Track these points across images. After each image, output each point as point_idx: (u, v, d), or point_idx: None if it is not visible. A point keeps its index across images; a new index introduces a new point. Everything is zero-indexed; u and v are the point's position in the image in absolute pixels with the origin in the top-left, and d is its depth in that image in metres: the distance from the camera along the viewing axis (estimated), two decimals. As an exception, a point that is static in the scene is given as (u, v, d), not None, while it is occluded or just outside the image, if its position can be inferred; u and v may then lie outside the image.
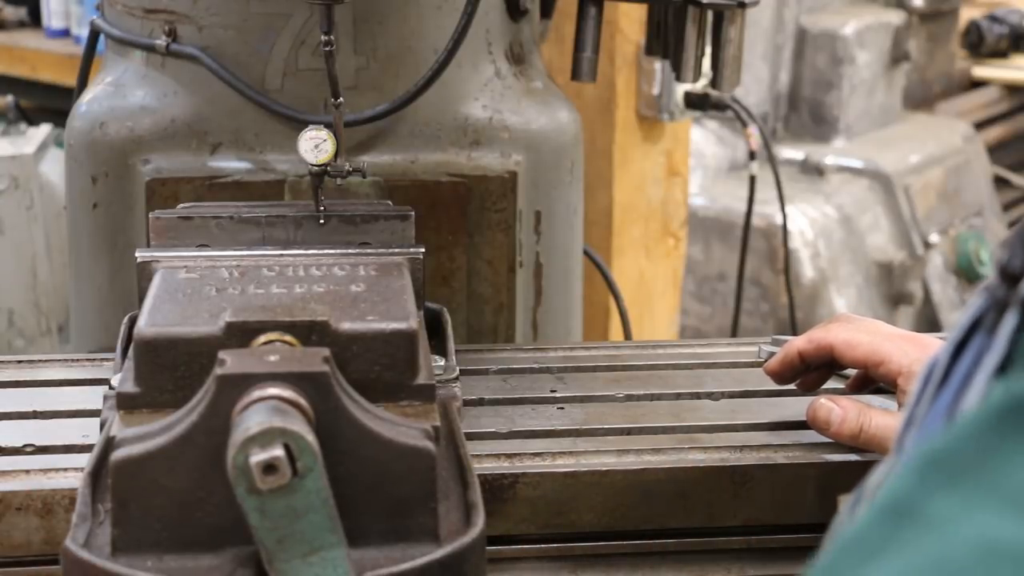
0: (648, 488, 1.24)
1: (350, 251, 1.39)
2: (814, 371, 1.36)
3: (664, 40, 1.81)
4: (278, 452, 0.92)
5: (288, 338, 1.07)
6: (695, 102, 2.75)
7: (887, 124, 4.58)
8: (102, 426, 1.15)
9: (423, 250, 1.40)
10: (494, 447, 1.27)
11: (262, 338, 1.07)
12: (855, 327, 1.30)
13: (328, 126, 1.45)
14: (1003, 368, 0.64)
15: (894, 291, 4.21)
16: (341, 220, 1.43)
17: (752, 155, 3.08)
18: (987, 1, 5.69)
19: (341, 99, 1.48)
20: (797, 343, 1.33)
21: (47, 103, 4.17)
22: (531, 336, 1.77)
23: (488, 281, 1.71)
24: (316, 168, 1.44)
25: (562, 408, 1.38)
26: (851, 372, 1.39)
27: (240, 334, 1.08)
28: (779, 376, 1.36)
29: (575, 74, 1.82)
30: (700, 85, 2.63)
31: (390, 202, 1.54)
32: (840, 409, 1.26)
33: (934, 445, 0.55)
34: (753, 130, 3.06)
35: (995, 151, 5.00)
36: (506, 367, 1.46)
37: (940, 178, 4.51)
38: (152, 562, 0.99)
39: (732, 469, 1.25)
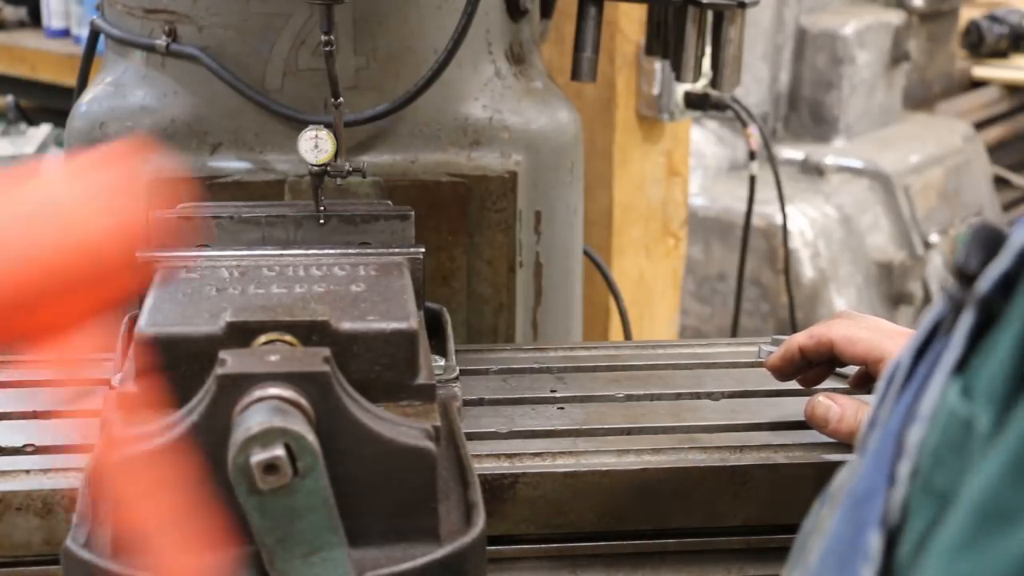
0: (648, 488, 1.24)
1: (350, 251, 1.39)
2: (814, 367, 1.36)
3: (664, 40, 1.81)
4: (279, 452, 0.92)
5: (288, 338, 1.07)
6: (695, 102, 2.75)
7: (887, 124, 4.58)
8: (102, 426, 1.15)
9: (423, 250, 1.40)
10: (494, 447, 1.27)
11: (262, 338, 1.07)
12: (856, 324, 1.30)
13: (328, 126, 1.45)
14: (960, 367, 0.64)
15: (894, 291, 4.21)
16: (341, 220, 1.43)
17: (752, 155, 3.08)
18: (987, 1, 5.69)
19: (341, 99, 1.48)
20: (798, 338, 1.33)
21: (47, 103, 4.17)
22: (531, 336, 1.77)
23: (488, 281, 1.71)
24: (316, 168, 1.44)
25: (562, 408, 1.38)
26: (851, 371, 1.39)
27: (240, 334, 1.08)
28: (780, 371, 1.36)
29: (575, 74, 1.82)
30: (700, 85, 2.63)
31: (390, 202, 1.54)
32: (838, 406, 1.26)
33: None
34: (753, 130, 3.06)
35: (995, 151, 5.00)
36: (506, 367, 1.46)
37: (940, 178, 4.51)
38: (152, 562, 0.99)
39: (732, 469, 1.25)
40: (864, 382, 1.36)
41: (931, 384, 0.66)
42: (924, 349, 0.70)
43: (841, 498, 0.73)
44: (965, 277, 0.67)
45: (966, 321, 0.65)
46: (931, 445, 0.64)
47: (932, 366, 0.67)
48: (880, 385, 0.74)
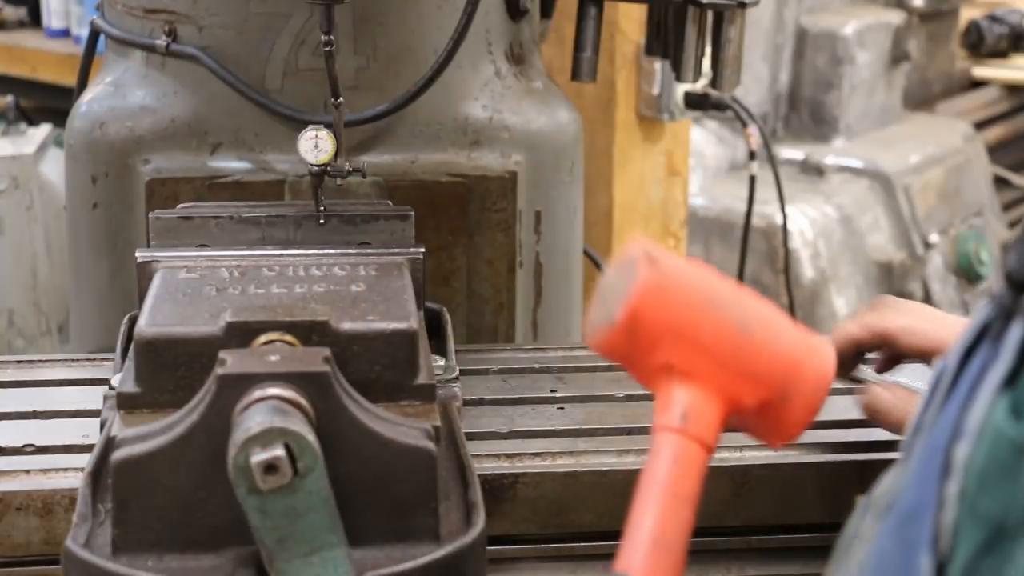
0: (648, 488, 1.24)
1: (350, 251, 1.39)
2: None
3: (664, 40, 1.81)
4: (279, 452, 0.92)
5: (288, 338, 1.07)
6: (695, 102, 2.75)
7: (887, 124, 4.58)
8: (102, 426, 1.15)
9: (423, 250, 1.40)
10: (494, 447, 1.27)
11: (262, 338, 1.07)
12: (908, 311, 1.25)
13: (328, 126, 1.45)
14: (1010, 381, 0.63)
15: (894, 291, 4.20)
16: (341, 220, 1.43)
17: (752, 155, 3.08)
18: (987, 1, 5.69)
19: (341, 99, 1.48)
20: (851, 330, 1.27)
21: (47, 103, 4.16)
22: (531, 336, 1.77)
23: (488, 281, 1.71)
24: (316, 168, 1.44)
25: (562, 408, 1.38)
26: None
27: (240, 334, 1.08)
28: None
29: (575, 74, 1.82)
30: (700, 85, 2.62)
31: (390, 202, 1.54)
32: (892, 397, 1.22)
33: None
34: (753, 130, 3.06)
35: (995, 151, 5.00)
36: (506, 367, 1.46)
37: (940, 178, 4.51)
38: (152, 562, 1.00)
39: (732, 469, 1.25)
40: (884, 367, 1.32)
41: (978, 397, 0.64)
42: (970, 353, 0.68)
43: (884, 509, 0.72)
44: (1015, 284, 0.65)
45: (1016, 333, 0.63)
46: (978, 466, 0.62)
47: (978, 375, 0.65)
48: (926, 390, 0.72)
